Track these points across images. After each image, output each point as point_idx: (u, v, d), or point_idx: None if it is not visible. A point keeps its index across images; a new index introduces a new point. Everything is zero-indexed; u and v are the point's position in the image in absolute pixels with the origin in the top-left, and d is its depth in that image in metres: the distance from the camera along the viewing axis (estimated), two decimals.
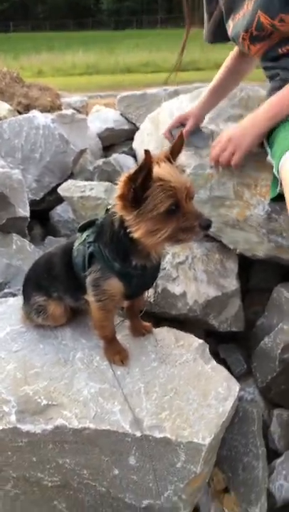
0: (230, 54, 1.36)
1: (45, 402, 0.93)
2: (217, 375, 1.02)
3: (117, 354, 1.01)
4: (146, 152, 0.73)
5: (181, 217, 0.79)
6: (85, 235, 0.96)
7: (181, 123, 1.34)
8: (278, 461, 1.17)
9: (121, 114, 2.51)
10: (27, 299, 1.07)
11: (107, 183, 1.70)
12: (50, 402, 0.93)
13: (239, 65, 1.32)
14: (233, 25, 1.15)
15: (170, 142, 1.33)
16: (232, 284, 1.38)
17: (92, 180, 1.96)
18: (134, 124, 2.49)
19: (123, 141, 2.51)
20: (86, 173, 1.98)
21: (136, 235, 0.81)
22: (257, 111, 1.09)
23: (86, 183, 1.71)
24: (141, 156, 2.22)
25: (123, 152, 2.41)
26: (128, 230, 0.82)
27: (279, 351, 1.23)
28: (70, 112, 1.98)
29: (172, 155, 0.86)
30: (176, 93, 2.39)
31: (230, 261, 1.41)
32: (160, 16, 36.33)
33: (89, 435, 0.89)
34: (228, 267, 1.40)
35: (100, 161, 1.97)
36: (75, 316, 1.12)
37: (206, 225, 0.79)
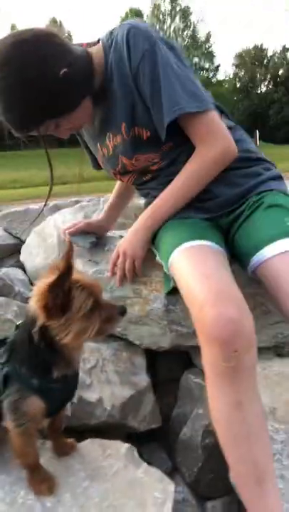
0: (116, 185, 1.60)
1: None
2: (150, 478, 0.99)
3: (43, 483, 0.92)
4: (67, 259, 0.78)
5: (102, 311, 0.84)
6: None
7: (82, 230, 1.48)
8: None
9: (4, 230, 2.55)
10: None
11: (1, 299, 1.66)
12: None
13: (126, 189, 1.55)
14: (102, 164, 1.37)
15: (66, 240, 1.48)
16: (143, 379, 1.40)
17: None
18: (18, 239, 2.53)
19: (9, 255, 2.51)
20: None
21: (66, 339, 0.81)
22: (137, 222, 1.25)
23: None
24: (32, 266, 2.25)
25: (10, 266, 2.40)
26: (52, 340, 0.82)
27: (200, 438, 1.25)
28: None
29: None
30: (56, 207, 2.56)
31: (137, 357, 1.45)
32: (22, 140, 39.15)
33: None
34: (137, 363, 1.44)
35: None
36: None
37: (123, 310, 0.89)
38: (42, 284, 0.82)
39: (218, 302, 0.83)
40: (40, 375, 0.86)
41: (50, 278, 0.81)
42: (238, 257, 1.13)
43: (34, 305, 0.83)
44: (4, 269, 2.08)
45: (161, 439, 1.45)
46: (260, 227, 1.04)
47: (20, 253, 2.51)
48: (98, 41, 1.18)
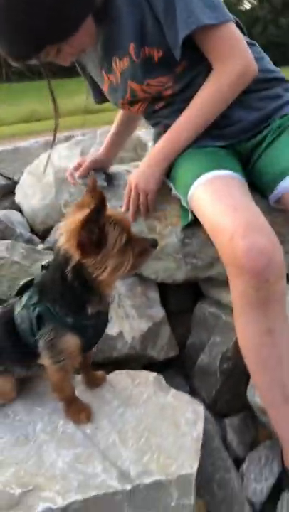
0: (118, 113, 1.48)
1: (18, 490, 0.83)
2: (180, 401, 1.05)
3: (81, 412, 0.96)
4: (100, 193, 0.75)
5: (135, 245, 0.83)
6: (25, 298, 0.91)
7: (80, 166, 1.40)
8: (244, 466, 1.23)
9: None
10: None
11: (6, 241, 1.62)
12: (24, 489, 0.83)
13: (129, 117, 1.44)
14: (107, 94, 1.26)
15: (72, 183, 1.42)
16: (159, 312, 1.43)
17: None
18: (10, 179, 2.43)
19: (1, 196, 2.42)
20: None
21: (103, 276, 0.80)
22: (151, 154, 1.18)
23: None
24: (28, 207, 2.18)
25: (4, 208, 2.33)
26: (86, 277, 0.81)
27: (218, 363, 1.32)
28: None
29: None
30: (47, 144, 2.44)
31: (151, 291, 1.47)
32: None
33: (79, 508, 0.82)
34: (151, 296, 1.46)
35: None
36: (21, 385, 1.03)
37: (155, 243, 0.87)
38: (72, 221, 0.79)
39: (248, 233, 0.82)
40: (74, 312, 0.86)
41: (80, 214, 0.78)
42: (259, 185, 1.11)
43: (66, 243, 0.80)
44: (2, 212, 2.01)
45: (177, 367, 1.53)
46: (287, 152, 1.00)
47: (13, 194, 2.43)
48: None
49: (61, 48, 1.02)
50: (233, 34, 1.02)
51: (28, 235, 1.96)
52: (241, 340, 0.92)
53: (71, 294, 0.84)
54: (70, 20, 0.98)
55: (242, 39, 1.04)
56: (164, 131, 1.17)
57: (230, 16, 1.03)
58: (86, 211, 0.76)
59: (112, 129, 1.48)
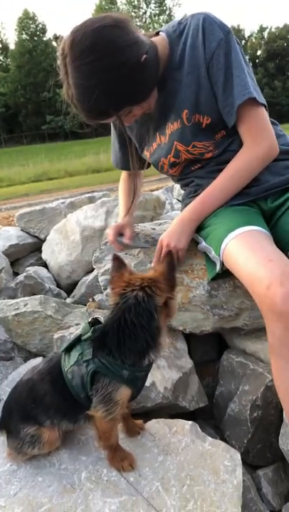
0: (121, 178, 1.62)
1: None
2: (217, 449, 1.08)
3: (124, 460, 1.00)
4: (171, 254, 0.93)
5: None
6: (75, 354, 0.96)
7: (119, 233, 1.46)
8: None
9: (22, 230, 2.60)
10: (14, 433, 1.00)
11: (39, 296, 1.72)
12: None
13: (131, 185, 1.58)
14: (150, 154, 1.40)
15: (118, 249, 1.46)
16: (187, 362, 1.49)
17: (15, 297, 1.94)
18: (36, 237, 2.59)
19: (27, 254, 2.57)
20: (8, 291, 1.95)
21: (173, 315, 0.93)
22: (183, 214, 1.30)
23: (17, 300, 1.71)
24: (55, 263, 2.30)
25: (32, 264, 2.46)
26: (158, 322, 0.89)
27: (248, 412, 1.34)
28: None
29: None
30: (72, 205, 2.61)
31: (179, 341, 1.53)
32: (3, 137, 38.82)
33: None
34: (179, 347, 1.52)
35: (22, 276, 1.98)
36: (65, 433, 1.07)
37: None
38: (148, 275, 0.92)
39: (285, 282, 0.91)
40: (130, 365, 0.91)
41: (156, 271, 0.93)
42: (279, 241, 1.21)
43: (147, 290, 0.89)
44: (33, 268, 2.13)
45: (205, 416, 1.55)
46: None
47: (39, 251, 2.57)
48: (157, 33, 1.23)
49: (132, 110, 1.18)
50: (266, 118, 1.20)
51: (56, 290, 2.07)
52: (279, 381, 0.98)
53: (135, 344, 0.88)
54: (146, 85, 1.14)
55: (270, 123, 1.21)
56: (196, 191, 1.31)
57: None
58: (160, 267, 0.92)
59: (122, 200, 1.58)
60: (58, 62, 1.07)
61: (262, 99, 1.18)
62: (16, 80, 41.52)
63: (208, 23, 1.14)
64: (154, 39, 1.20)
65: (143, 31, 1.18)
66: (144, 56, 1.07)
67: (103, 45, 1.01)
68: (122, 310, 0.88)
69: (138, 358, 0.90)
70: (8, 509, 0.90)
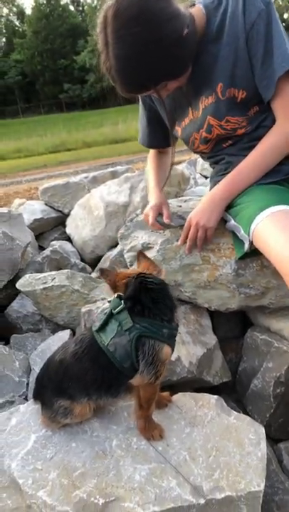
0: (149, 156, 1.60)
1: (102, 500, 0.92)
2: (242, 423, 1.12)
3: (154, 430, 1.04)
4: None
5: None
6: (113, 327, 0.99)
7: (159, 212, 1.43)
8: None
9: (46, 204, 2.62)
10: (48, 404, 1.04)
11: (66, 271, 1.76)
12: (107, 499, 0.92)
13: (161, 162, 1.57)
14: (182, 129, 1.38)
15: (159, 229, 1.45)
16: (211, 338, 1.52)
17: (41, 271, 1.99)
18: (60, 212, 2.61)
19: (52, 228, 2.60)
20: (35, 265, 2.00)
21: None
22: (213, 193, 1.29)
23: (45, 274, 1.75)
24: (79, 238, 2.33)
25: (56, 238, 2.50)
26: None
27: (271, 388, 1.38)
28: (5, 209, 2.02)
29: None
30: (95, 179, 2.62)
31: (203, 318, 1.56)
32: (20, 106, 38.48)
33: None
34: (204, 323, 1.55)
35: (48, 251, 2.02)
36: None
37: None
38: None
39: None
40: (167, 321, 0.98)
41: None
42: None
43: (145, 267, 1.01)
44: (58, 242, 2.17)
45: (228, 391, 1.59)
46: None
47: (63, 226, 2.60)
48: (193, 4, 1.20)
49: (168, 84, 1.17)
50: None
51: (81, 264, 2.10)
52: None
53: (167, 303, 1.00)
54: (185, 60, 1.13)
55: None
56: (226, 169, 1.29)
57: None
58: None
59: (153, 177, 1.55)
60: (97, 30, 1.05)
61: None
62: (33, 47, 40.63)
63: None
64: (191, 10, 1.16)
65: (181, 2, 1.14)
66: (186, 31, 1.05)
67: (148, 17, 1.00)
68: (140, 281, 0.99)
69: (172, 314, 1.00)
70: (44, 472, 0.96)
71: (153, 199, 1.43)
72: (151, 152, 1.61)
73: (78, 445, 1.03)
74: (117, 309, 1.00)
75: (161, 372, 0.98)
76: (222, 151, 1.36)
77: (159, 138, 1.48)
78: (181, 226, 1.39)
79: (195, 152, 1.47)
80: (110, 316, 1.01)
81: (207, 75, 1.21)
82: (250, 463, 1.01)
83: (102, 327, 1.01)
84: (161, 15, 1.01)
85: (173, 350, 1.02)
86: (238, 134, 1.28)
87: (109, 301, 1.07)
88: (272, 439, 1.42)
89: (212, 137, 1.32)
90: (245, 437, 1.07)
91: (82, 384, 1.01)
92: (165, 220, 1.34)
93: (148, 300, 0.97)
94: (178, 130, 1.40)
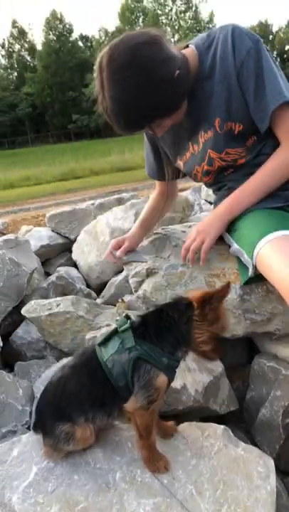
0: (152, 196, 1.63)
1: None
2: (250, 455, 1.08)
3: (159, 461, 1.01)
4: (228, 284, 0.96)
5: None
6: (115, 343, 1.00)
7: (118, 246, 1.50)
8: None
9: (52, 230, 2.65)
10: (50, 430, 1.03)
11: (71, 297, 1.76)
12: None
13: (160, 205, 1.59)
14: (184, 163, 1.42)
15: (112, 260, 1.52)
16: (218, 365, 1.48)
17: (47, 297, 1.98)
18: (67, 238, 2.63)
19: (58, 254, 2.62)
20: (40, 291, 2.00)
21: (199, 338, 0.96)
22: (218, 208, 1.32)
23: (50, 300, 1.74)
24: (85, 264, 2.34)
25: (62, 264, 2.51)
26: (191, 328, 0.96)
27: (280, 418, 1.34)
28: (12, 236, 2.05)
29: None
30: (101, 206, 2.65)
31: None
32: (30, 136, 39.59)
33: None
34: None
35: (53, 277, 2.03)
36: (99, 435, 1.09)
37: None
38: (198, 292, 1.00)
39: None
40: (169, 352, 0.97)
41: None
42: None
43: (193, 296, 0.98)
44: (64, 268, 2.18)
45: (236, 420, 1.54)
46: None
47: (68, 251, 2.62)
48: (187, 46, 1.27)
49: (163, 122, 1.22)
50: None
51: (86, 290, 2.10)
52: None
53: (172, 337, 0.97)
54: (178, 99, 1.18)
55: None
56: (228, 195, 1.31)
57: None
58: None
59: (143, 214, 1.60)
60: (94, 74, 1.12)
61: None
62: (43, 80, 42.20)
63: (237, 33, 1.17)
64: (184, 51, 1.23)
65: (173, 44, 1.21)
66: (177, 72, 1.11)
67: (140, 62, 1.06)
68: (161, 306, 1.02)
69: (173, 348, 0.98)
70: (46, 506, 0.93)
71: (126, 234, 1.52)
72: (155, 192, 1.64)
73: (81, 478, 1.00)
74: (122, 327, 1.01)
75: (155, 399, 0.96)
76: (224, 179, 1.39)
77: (166, 170, 1.52)
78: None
79: (198, 182, 1.52)
80: (115, 333, 1.02)
81: (204, 110, 1.26)
82: (259, 497, 0.97)
83: (105, 342, 1.02)
84: (154, 59, 1.08)
85: (171, 381, 1.01)
86: (239, 164, 1.32)
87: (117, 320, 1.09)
88: (282, 472, 1.37)
89: (214, 169, 1.36)
90: (253, 470, 1.03)
91: (78, 400, 1.00)
92: (118, 253, 1.44)
93: (152, 329, 0.99)
94: (180, 164, 1.45)
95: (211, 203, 3.22)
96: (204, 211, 2.79)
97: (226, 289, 0.97)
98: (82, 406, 1.01)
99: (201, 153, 1.33)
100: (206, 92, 1.24)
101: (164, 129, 1.27)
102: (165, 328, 0.98)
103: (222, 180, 1.39)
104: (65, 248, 2.61)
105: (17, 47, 50.62)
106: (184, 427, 1.16)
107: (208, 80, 1.22)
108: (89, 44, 50.26)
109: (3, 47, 50.29)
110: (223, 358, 1.66)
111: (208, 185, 1.49)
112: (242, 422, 1.54)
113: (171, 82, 1.11)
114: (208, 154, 1.31)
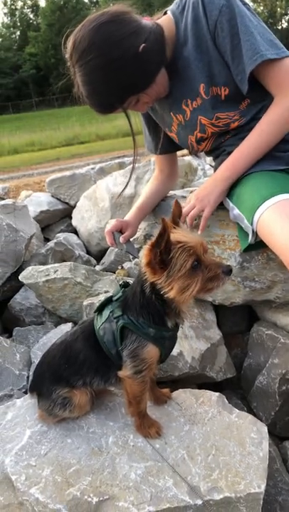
0: (152, 178, 1.57)
1: (95, 499, 0.89)
2: (244, 421, 1.08)
3: (151, 427, 1.01)
4: (163, 220, 0.84)
5: (205, 270, 0.88)
6: (106, 312, 0.99)
7: (120, 229, 1.42)
8: None
9: (52, 196, 2.60)
10: (46, 394, 1.03)
11: (69, 263, 1.73)
12: (101, 498, 0.89)
13: (159, 187, 1.53)
14: (176, 134, 1.36)
15: (112, 245, 1.43)
16: (216, 333, 1.47)
17: (45, 263, 1.96)
18: (67, 203, 2.58)
19: (58, 220, 2.58)
20: (39, 257, 1.98)
21: (170, 294, 0.88)
22: (216, 173, 1.27)
23: (48, 266, 1.72)
24: (85, 230, 2.31)
25: (62, 230, 2.47)
26: (161, 293, 0.89)
27: (277, 385, 1.33)
28: (10, 201, 2.00)
29: (174, 221, 0.95)
30: (102, 171, 2.58)
31: (208, 312, 1.52)
32: (34, 100, 38.60)
33: None
34: (208, 318, 1.50)
35: (52, 243, 2.00)
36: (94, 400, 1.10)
37: (228, 270, 0.90)
38: (149, 243, 0.88)
39: None
40: (155, 323, 0.94)
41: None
42: None
43: (142, 262, 0.90)
44: (63, 234, 2.14)
45: (233, 387, 1.55)
46: None
47: (69, 217, 2.58)
48: (165, 13, 1.21)
49: (140, 98, 1.18)
50: None
51: (86, 256, 2.08)
52: None
53: (152, 307, 0.92)
54: (147, 73, 1.13)
55: None
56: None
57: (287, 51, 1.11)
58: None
59: (142, 197, 1.53)
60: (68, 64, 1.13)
61: (283, 52, 1.09)
62: (47, 40, 40.55)
63: None
64: (161, 20, 1.18)
65: (145, 16, 1.16)
66: (143, 45, 1.07)
67: (99, 43, 1.06)
68: (135, 280, 0.97)
69: (159, 320, 0.94)
70: (38, 468, 0.94)
71: (127, 216, 1.47)
72: (155, 172, 1.57)
73: (74, 441, 1.01)
74: (116, 296, 1.01)
75: (142, 369, 0.94)
76: (221, 145, 1.32)
77: (162, 143, 1.45)
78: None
79: (196, 153, 1.46)
80: (109, 301, 1.02)
81: (186, 78, 1.21)
82: (251, 463, 0.97)
83: (101, 309, 1.02)
84: (112, 38, 1.06)
85: (163, 352, 0.98)
86: (234, 128, 1.25)
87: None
88: (278, 437, 1.38)
89: (207, 136, 1.30)
90: (246, 436, 1.03)
91: (76, 364, 1.01)
92: (121, 239, 1.37)
93: (133, 304, 0.95)
94: (173, 136, 1.39)
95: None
96: (208, 176, 2.70)
97: (162, 228, 0.84)
98: (81, 370, 1.01)
99: (193, 121, 1.27)
100: (184, 59, 1.18)
101: (146, 105, 1.23)
102: (141, 304, 0.94)
103: (220, 147, 1.33)
104: (65, 214, 2.56)
105: (20, 3, 48.51)
106: (179, 393, 1.16)
107: (184, 46, 1.17)
108: (94, 0, 48.00)
109: (5, 4, 48.19)
110: (221, 326, 1.66)
111: (207, 153, 1.42)
112: (239, 388, 1.54)
113: (136, 58, 1.07)
114: (200, 121, 1.25)
